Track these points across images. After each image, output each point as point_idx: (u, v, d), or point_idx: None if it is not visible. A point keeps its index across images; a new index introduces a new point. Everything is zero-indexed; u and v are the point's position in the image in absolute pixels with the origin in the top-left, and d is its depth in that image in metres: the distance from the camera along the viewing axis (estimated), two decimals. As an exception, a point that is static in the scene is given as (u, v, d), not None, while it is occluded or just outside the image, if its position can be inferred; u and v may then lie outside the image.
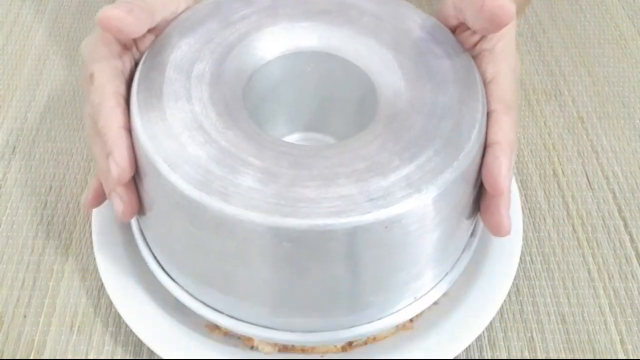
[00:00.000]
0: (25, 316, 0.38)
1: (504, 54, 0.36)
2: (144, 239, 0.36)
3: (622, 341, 0.38)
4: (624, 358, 0.38)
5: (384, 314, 0.34)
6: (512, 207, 0.40)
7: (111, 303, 0.37)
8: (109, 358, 0.37)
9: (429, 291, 0.35)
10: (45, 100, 0.50)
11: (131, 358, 0.37)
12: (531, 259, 0.42)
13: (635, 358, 0.38)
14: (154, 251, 0.36)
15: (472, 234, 0.37)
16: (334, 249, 0.30)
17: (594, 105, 0.51)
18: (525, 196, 0.45)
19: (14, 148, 0.47)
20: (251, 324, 0.33)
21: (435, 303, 0.37)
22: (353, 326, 0.33)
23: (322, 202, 0.29)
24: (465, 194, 0.33)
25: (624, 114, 0.51)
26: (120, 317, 0.38)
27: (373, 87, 0.35)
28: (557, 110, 0.51)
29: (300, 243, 0.29)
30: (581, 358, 0.38)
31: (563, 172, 0.47)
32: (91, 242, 0.39)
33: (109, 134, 0.32)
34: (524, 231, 0.42)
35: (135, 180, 0.33)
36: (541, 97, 0.52)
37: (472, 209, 0.34)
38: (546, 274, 0.41)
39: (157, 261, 0.36)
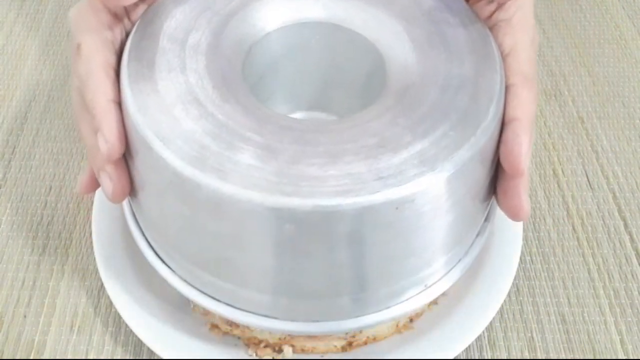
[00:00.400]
0: (25, 316, 0.38)
1: (521, 25, 0.34)
2: (137, 222, 0.35)
3: (622, 341, 0.38)
4: (624, 358, 0.38)
5: (393, 303, 0.32)
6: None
7: (111, 303, 0.37)
8: (109, 358, 0.37)
9: (441, 278, 0.33)
10: (45, 100, 0.50)
11: (131, 358, 0.37)
12: (531, 259, 0.42)
13: (635, 358, 0.38)
14: (147, 236, 0.34)
15: (486, 219, 0.35)
16: (339, 231, 0.28)
17: (594, 105, 0.51)
18: (525, 196, 0.45)
19: (14, 148, 0.47)
20: (250, 312, 0.32)
21: (435, 303, 0.37)
22: (359, 316, 0.32)
23: (327, 181, 0.27)
24: (482, 173, 0.31)
25: (624, 114, 0.50)
26: (120, 317, 0.38)
27: (382, 60, 0.33)
28: (557, 110, 0.51)
29: (303, 225, 0.28)
30: (581, 358, 0.38)
31: (563, 172, 0.47)
32: (91, 242, 0.39)
33: (97, 107, 0.30)
34: (524, 231, 0.42)
35: (126, 158, 0.31)
36: (541, 97, 0.52)
37: (487, 191, 0.32)
38: (546, 274, 0.41)
39: (151, 247, 0.34)
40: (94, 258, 0.38)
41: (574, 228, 0.43)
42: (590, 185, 0.46)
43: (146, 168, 0.30)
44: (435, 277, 0.33)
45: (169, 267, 0.33)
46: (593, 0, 0.60)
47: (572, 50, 0.55)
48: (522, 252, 0.41)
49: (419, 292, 0.32)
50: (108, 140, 0.30)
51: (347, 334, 0.35)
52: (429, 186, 0.28)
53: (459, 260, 0.34)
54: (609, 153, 0.48)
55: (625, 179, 0.46)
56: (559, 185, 0.46)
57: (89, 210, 0.41)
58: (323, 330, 0.32)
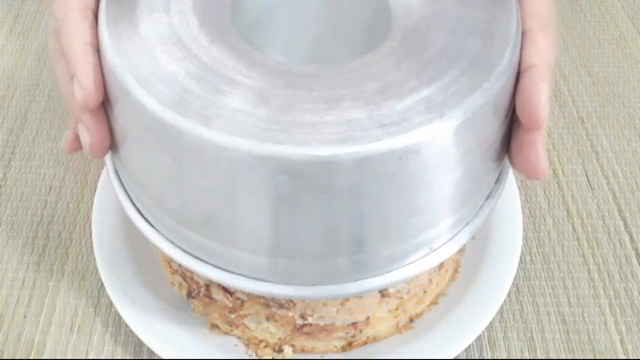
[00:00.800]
0: (25, 316, 0.38)
1: None
2: (120, 181, 0.32)
3: (622, 341, 0.38)
4: (624, 358, 0.38)
5: (395, 266, 0.29)
6: (511, 207, 0.40)
7: (111, 303, 0.37)
8: (109, 358, 0.37)
9: (447, 242, 0.30)
10: (45, 100, 0.50)
11: (131, 358, 0.37)
12: (531, 259, 0.42)
13: (635, 358, 0.38)
14: (130, 195, 0.32)
15: (498, 181, 0.32)
16: (337, 183, 0.25)
17: (594, 105, 0.51)
18: (525, 196, 0.45)
19: (14, 148, 0.47)
20: (242, 275, 0.29)
21: (435, 303, 0.37)
22: (359, 279, 0.29)
23: (323, 128, 0.25)
24: (495, 125, 0.28)
25: (624, 114, 0.50)
26: (120, 317, 0.38)
27: (387, 4, 0.31)
28: (557, 110, 0.51)
29: (296, 176, 0.25)
30: (581, 358, 0.38)
31: (563, 172, 0.47)
32: (91, 242, 0.39)
33: (72, 51, 0.28)
34: (524, 231, 0.42)
35: (106, 108, 0.29)
36: (541, 97, 0.52)
37: (500, 148, 0.30)
38: (546, 274, 0.41)
39: (136, 208, 0.31)
40: (94, 258, 0.38)
41: (574, 228, 0.43)
42: (590, 185, 0.46)
43: (125, 116, 0.28)
44: (441, 240, 0.30)
45: (155, 228, 0.31)
46: (593, 0, 0.60)
47: (572, 50, 0.55)
48: (522, 252, 0.41)
49: (424, 256, 0.30)
50: (84, 87, 0.28)
51: (347, 333, 0.35)
52: (435, 135, 0.26)
53: (467, 223, 0.31)
54: (609, 153, 0.48)
55: (625, 179, 0.46)
56: (559, 185, 0.46)
57: (89, 210, 0.41)
58: (321, 294, 0.29)
